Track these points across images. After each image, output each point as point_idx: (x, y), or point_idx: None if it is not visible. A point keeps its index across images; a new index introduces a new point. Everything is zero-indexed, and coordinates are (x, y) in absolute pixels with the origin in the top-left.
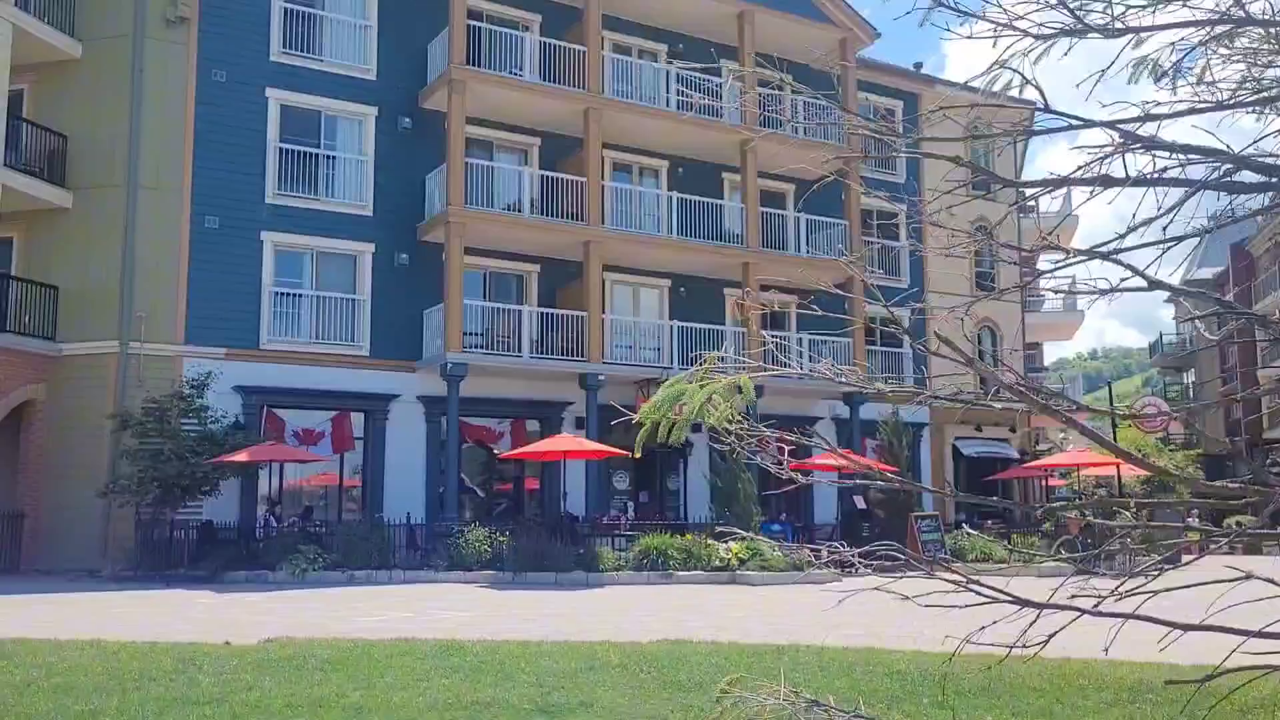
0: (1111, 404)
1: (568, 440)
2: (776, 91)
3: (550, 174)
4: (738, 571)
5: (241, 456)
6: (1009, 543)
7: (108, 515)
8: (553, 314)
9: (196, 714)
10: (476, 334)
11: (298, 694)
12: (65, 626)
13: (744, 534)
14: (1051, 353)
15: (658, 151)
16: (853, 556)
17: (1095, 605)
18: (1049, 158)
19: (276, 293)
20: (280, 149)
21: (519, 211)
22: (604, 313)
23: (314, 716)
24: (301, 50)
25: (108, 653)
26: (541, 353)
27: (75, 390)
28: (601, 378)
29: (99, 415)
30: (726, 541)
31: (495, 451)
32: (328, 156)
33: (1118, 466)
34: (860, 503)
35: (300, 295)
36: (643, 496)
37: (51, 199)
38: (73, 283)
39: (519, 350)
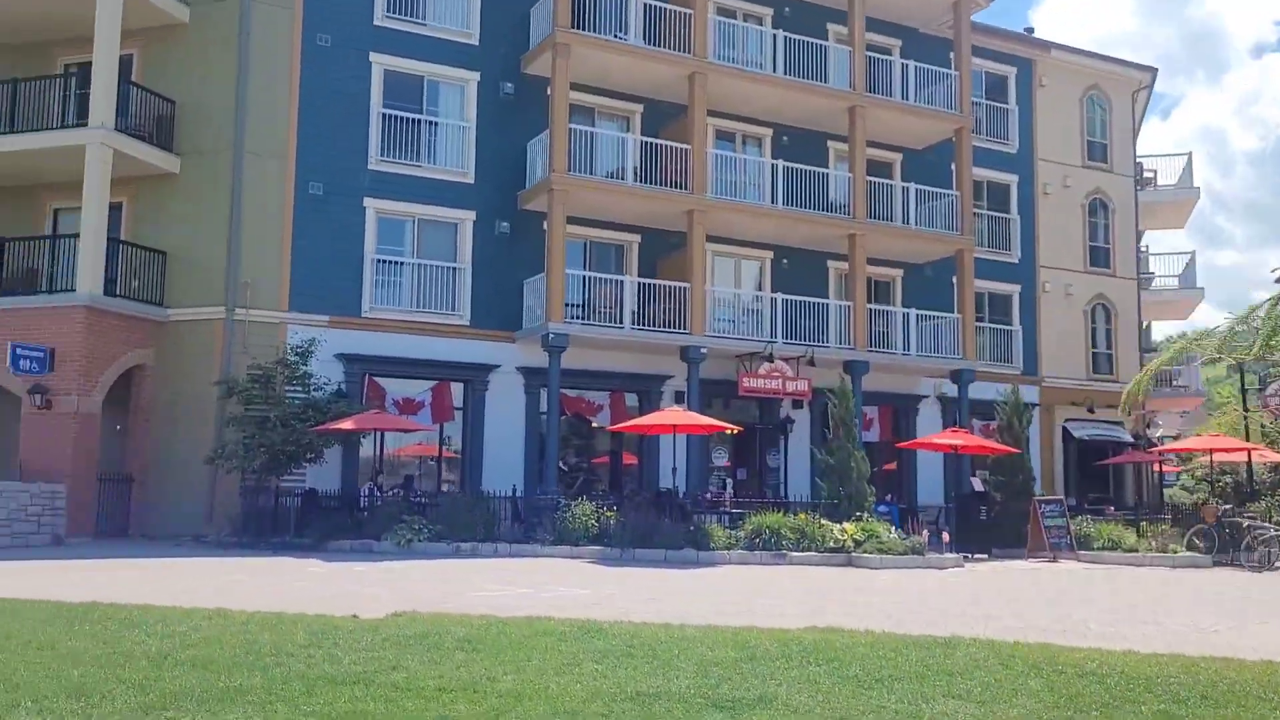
0: (1244, 389)
1: (677, 414)
2: (886, 56)
3: (653, 140)
4: (853, 554)
5: (346, 425)
6: (1138, 531)
7: (213, 481)
8: (654, 285)
9: (346, 695)
10: (576, 305)
11: (445, 676)
12: (186, 593)
13: (864, 515)
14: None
15: (762, 119)
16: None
17: None
18: (1154, 126)
19: (378, 260)
20: (383, 115)
21: (621, 179)
22: (706, 284)
23: (471, 703)
24: (405, 14)
25: (236, 623)
26: (642, 324)
27: (182, 356)
28: (704, 350)
29: (205, 381)
30: (841, 522)
31: (594, 424)
32: (430, 123)
33: (1248, 454)
34: (976, 484)
35: (401, 263)
36: (740, 473)
37: (160, 164)
38: (180, 248)
39: (620, 322)
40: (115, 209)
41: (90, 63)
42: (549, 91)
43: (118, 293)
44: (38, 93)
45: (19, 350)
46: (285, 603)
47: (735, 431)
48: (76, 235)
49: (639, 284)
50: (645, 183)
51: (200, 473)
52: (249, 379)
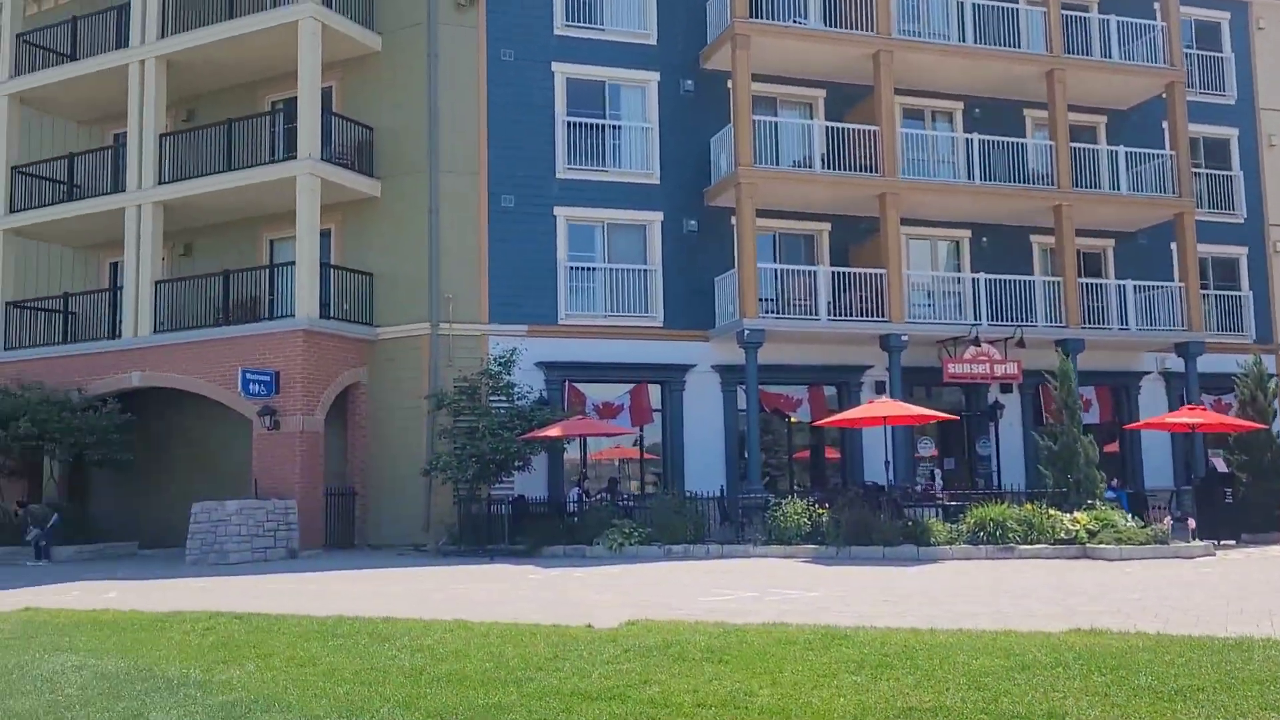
0: None
1: (887, 405)
2: (1083, 14)
3: (838, 125)
4: (1087, 545)
5: (553, 431)
6: None
7: (428, 491)
8: (849, 273)
9: (604, 712)
10: (768, 299)
11: (700, 690)
12: (422, 603)
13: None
14: None
15: (950, 92)
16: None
17: None
18: None
19: (571, 267)
20: (567, 123)
21: (808, 167)
22: (903, 268)
23: None
24: (583, 21)
25: (477, 634)
26: (838, 315)
27: (392, 372)
28: (905, 338)
29: (415, 395)
30: (1070, 511)
31: (793, 419)
32: (613, 127)
33: None
34: (1220, 465)
35: (593, 269)
36: (948, 464)
37: (362, 189)
38: (385, 268)
39: (815, 313)
40: (324, 235)
41: (293, 98)
42: (729, 85)
43: (331, 315)
44: (249, 132)
45: (249, 375)
46: (516, 612)
47: (952, 420)
48: (292, 263)
49: (833, 273)
50: (833, 169)
51: (415, 484)
52: (456, 391)
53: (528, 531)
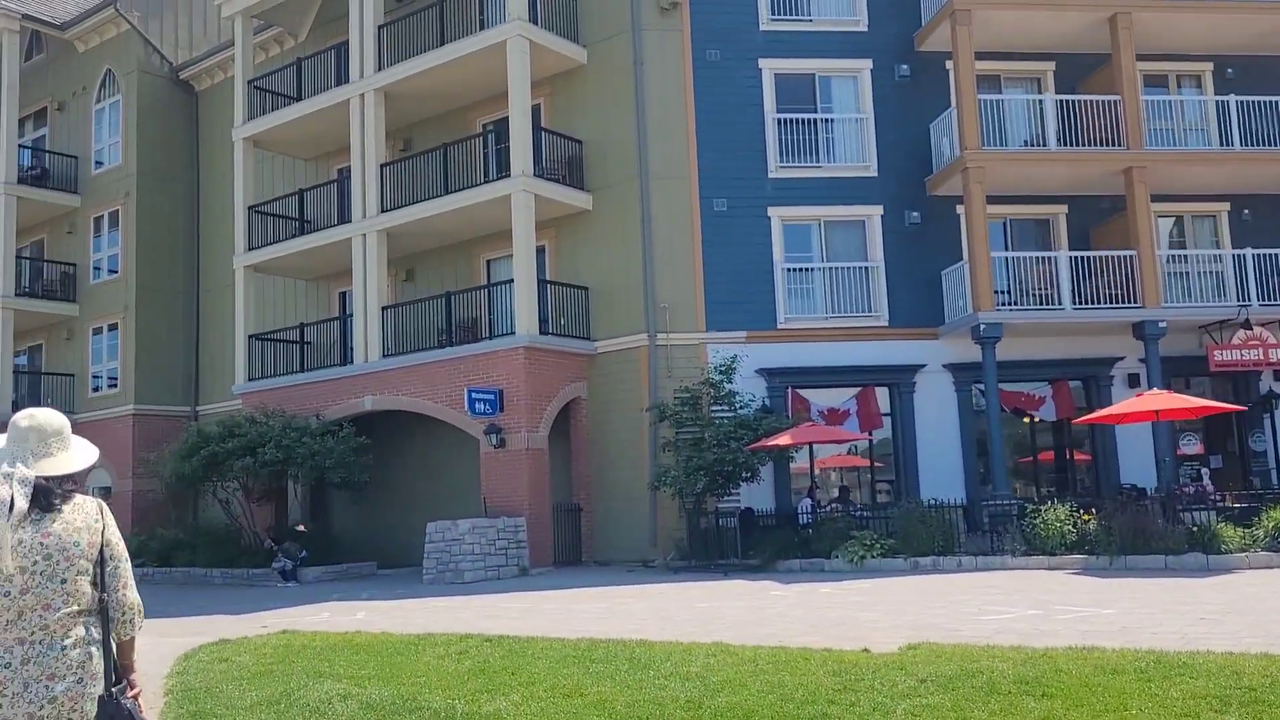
0: None
1: (1161, 397)
2: None
3: (1071, 98)
4: None
5: (783, 440)
6: None
7: (654, 505)
8: (1093, 257)
9: None
10: (1001, 291)
11: None
12: (669, 623)
13: None
14: None
15: (1197, 53)
16: None
17: None
18: None
19: (788, 269)
20: (778, 120)
21: (1042, 145)
22: (1156, 248)
23: None
24: (790, 14)
25: (744, 660)
26: (1082, 303)
27: (612, 385)
28: (1163, 324)
29: (635, 408)
30: None
31: (1035, 419)
32: (825, 120)
33: None
34: None
35: (811, 269)
36: (1214, 461)
37: (575, 203)
38: (600, 281)
39: (1057, 303)
40: (539, 251)
41: (503, 119)
42: (948, 65)
43: (550, 331)
44: (463, 154)
45: (474, 394)
46: (775, 633)
47: (1238, 410)
48: (509, 281)
49: (1074, 258)
50: (1068, 145)
51: (640, 498)
52: (677, 402)
53: (759, 545)
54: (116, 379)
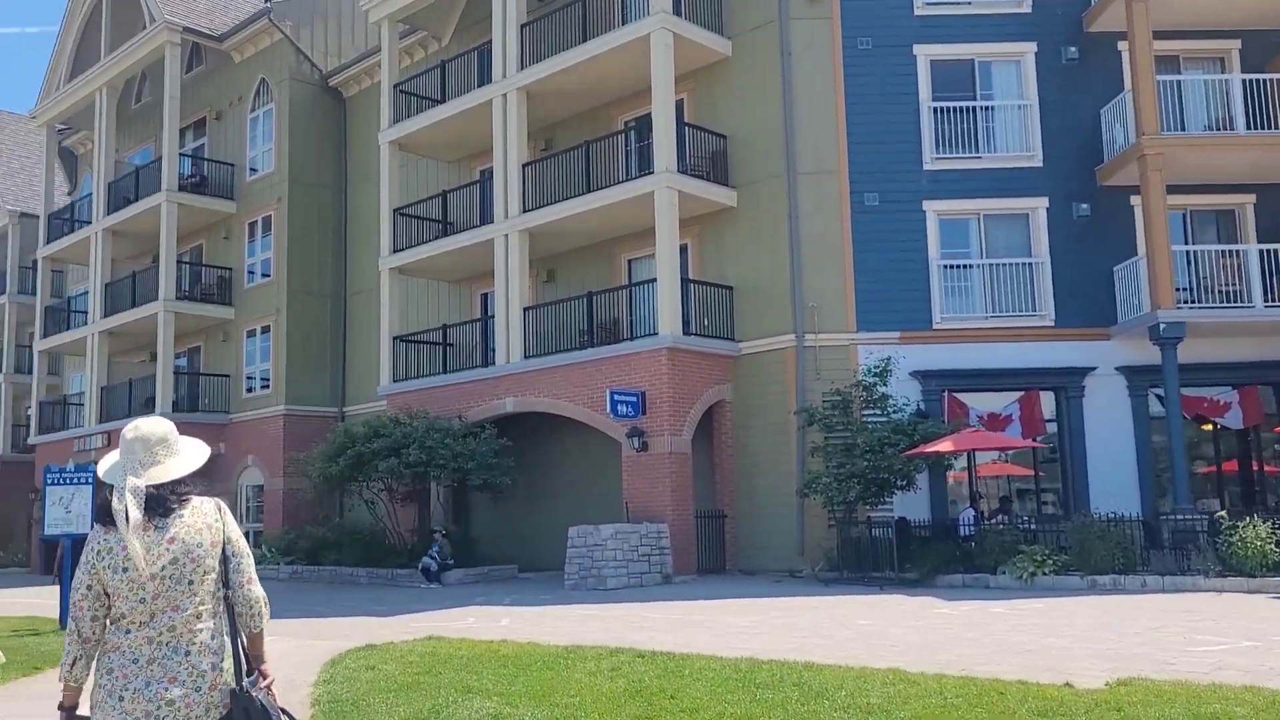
0: None
1: None
2: None
3: (1261, 77)
4: None
5: (944, 446)
6: None
7: (801, 513)
8: None
9: None
10: (1180, 288)
11: None
12: (836, 644)
13: None
14: None
15: None
16: None
17: None
18: None
19: (944, 265)
20: (933, 109)
21: (1228, 129)
22: None
23: None
24: None
25: (928, 691)
26: (1273, 301)
27: (757, 388)
28: None
29: (781, 412)
30: None
31: (1219, 426)
32: (984, 108)
33: None
34: None
35: (969, 266)
36: None
37: (719, 199)
38: (744, 280)
39: (1246, 300)
40: (681, 250)
41: (644, 116)
42: (1120, 46)
43: (692, 331)
44: (604, 152)
45: (616, 396)
46: (953, 659)
47: None
48: (651, 281)
49: (1264, 251)
50: (1256, 129)
51: (786, 505)
52: (827, 405)
53: (916, 557)
54: (269, 380)
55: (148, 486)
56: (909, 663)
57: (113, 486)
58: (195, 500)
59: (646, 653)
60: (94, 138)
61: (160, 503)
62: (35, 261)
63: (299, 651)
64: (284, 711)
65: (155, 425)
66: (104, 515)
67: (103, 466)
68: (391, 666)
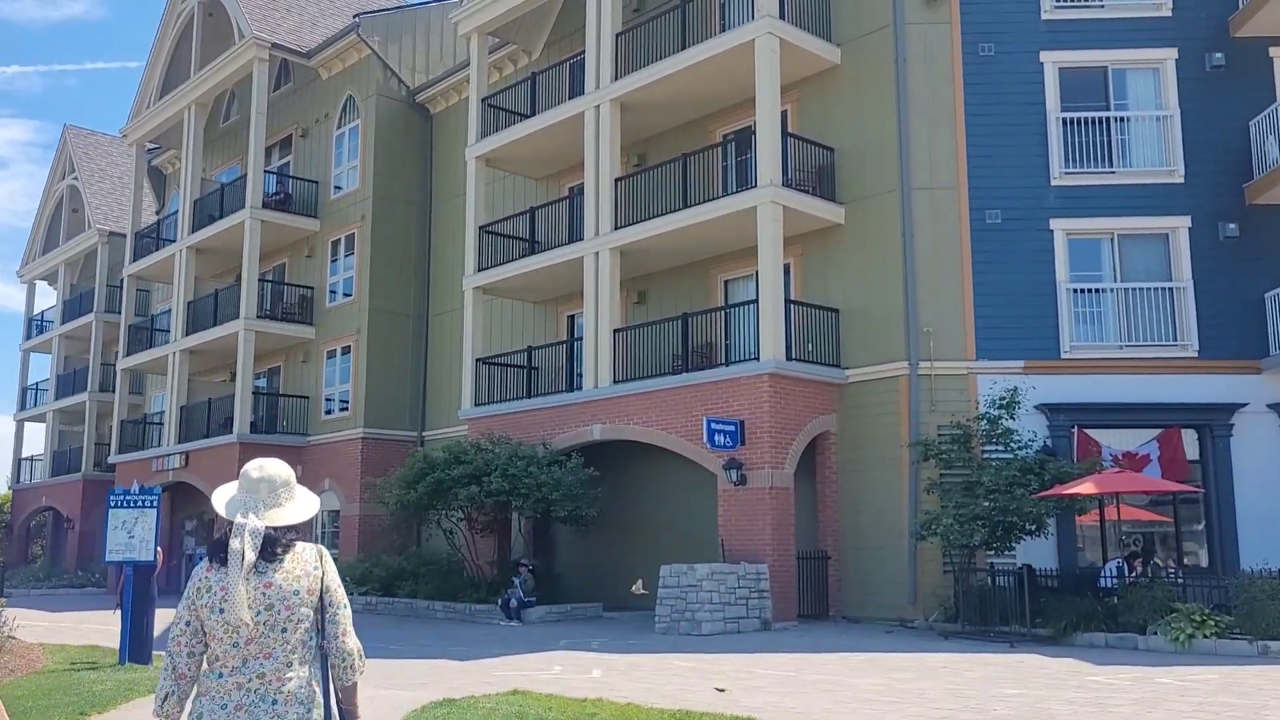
0: None
1: None
2: None
3: None
4: None
5: (1084, 488)
6: None
7: (914, 558)
8: None
9: None
10: None
11: None
12: (984, 716)
13: None
14: None
15: None
16: None
17: None
18: None
19: (1074, 289)
20: (1061, 120)
21: None
22: None
23: None
24: (1076, 1)
25: None
26: None
27: (865, 419)
28: None
29: (891, 446)
30: None
31: None
32: (1119, 119)
33: None
34: None
35: (1101, 290)
36: None
37: (825, 215)
38: (851, 303)
39: None
40: (785, 270)
41: (743, 129)
42: (1272, 53)
43: (795, 356)
44: (701, 166)
45: (714, 425)
46: None
47: None
48: (751, 302)
49: None
50: None
51: (896, 548)
52: (943, 439)
53: (1048, 612)
54: (348, 402)
55: (267, 528)
56: None
57: (231, 524)
58: (298, 545)
59: None
60: (181, 156)
61: (272, 545)
62: (122, 280)
63: (369, 705)
64: None
65: (280, 467)
66: (217, 551)
67: (219, 499)
68: None
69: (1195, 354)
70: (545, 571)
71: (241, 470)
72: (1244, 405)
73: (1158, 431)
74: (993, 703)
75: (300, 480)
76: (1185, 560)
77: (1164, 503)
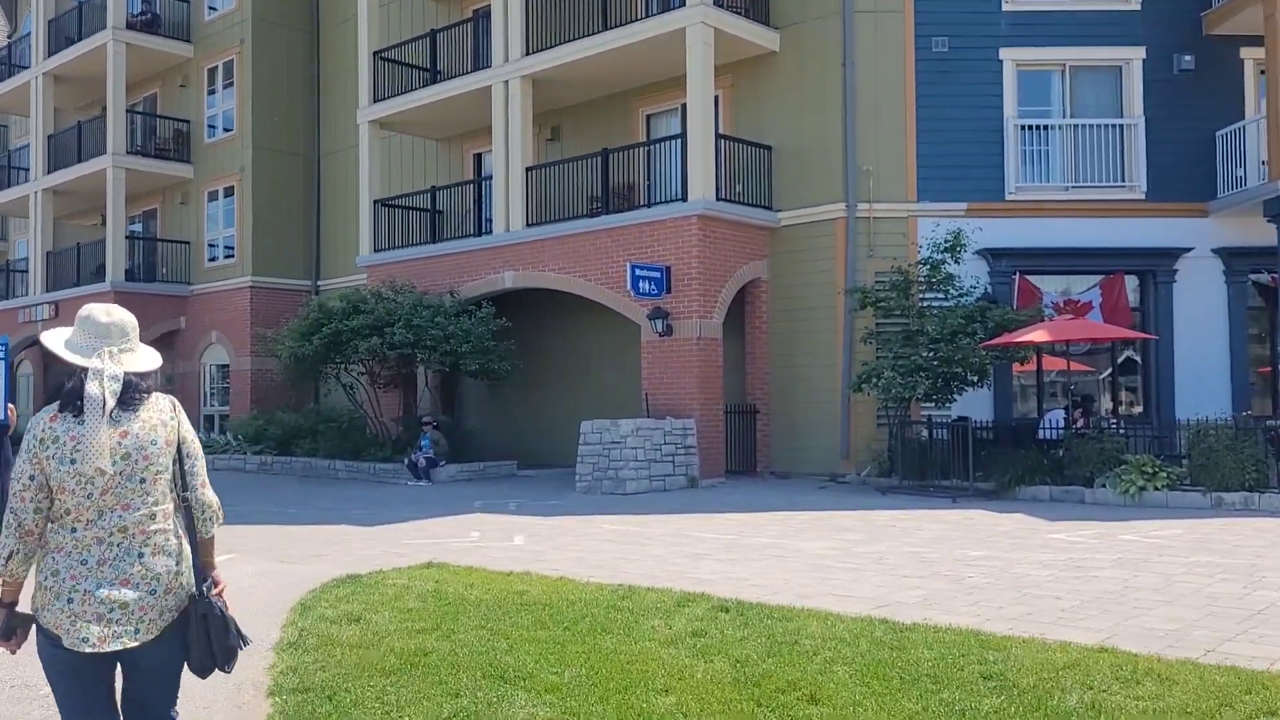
0: None
1: None
2: None
3: None
4: None
5: (1036, 335)
6: None
7: (847, 411)
8: None
9: None
10: None
11: None
12: (960, 586)
13: None
14: None
15: None
16: None
17: None
18: None
19: (1022, 126)
20: None
21: None
22: None
23: None
24: None
25: (1177, 683)
26: None
27: (798, 265)
28: None
29: (826, 294)
30: None
31: None
32: None
33: None
34: None
35: (1049, 128)
36: None
37: (758, 41)
38: (785, 139)
39: None
40: (715, 103)
41: None
42: None
43: (723, 197)
44: None
45: (638, 271)
46: (1160, 623)
47: None
48: (677, 137)
49: None
50: None
51: (829, 401)
52: (886, 285)
53: (990, 465)
54: (233, 248)
55: (126, 374)
56: (1108, 629)
57: (85, 370)
58: (153, 395)
59: (731, 602)
60: None
61: (133, 391)
62: None
63: (259, 583)
64: (237, 626)
65: (127, 313)
66: (71, 400)
67: (53, 341)
68: (383, 618)
69: (1142, 196)
70: (455, 429)
71: (82, 313)
72: (1189, 250)
73: (1100, 278)
74: (961, 568)
75: (185, 332)
76: (1119, 410)
77: (1098, 351)
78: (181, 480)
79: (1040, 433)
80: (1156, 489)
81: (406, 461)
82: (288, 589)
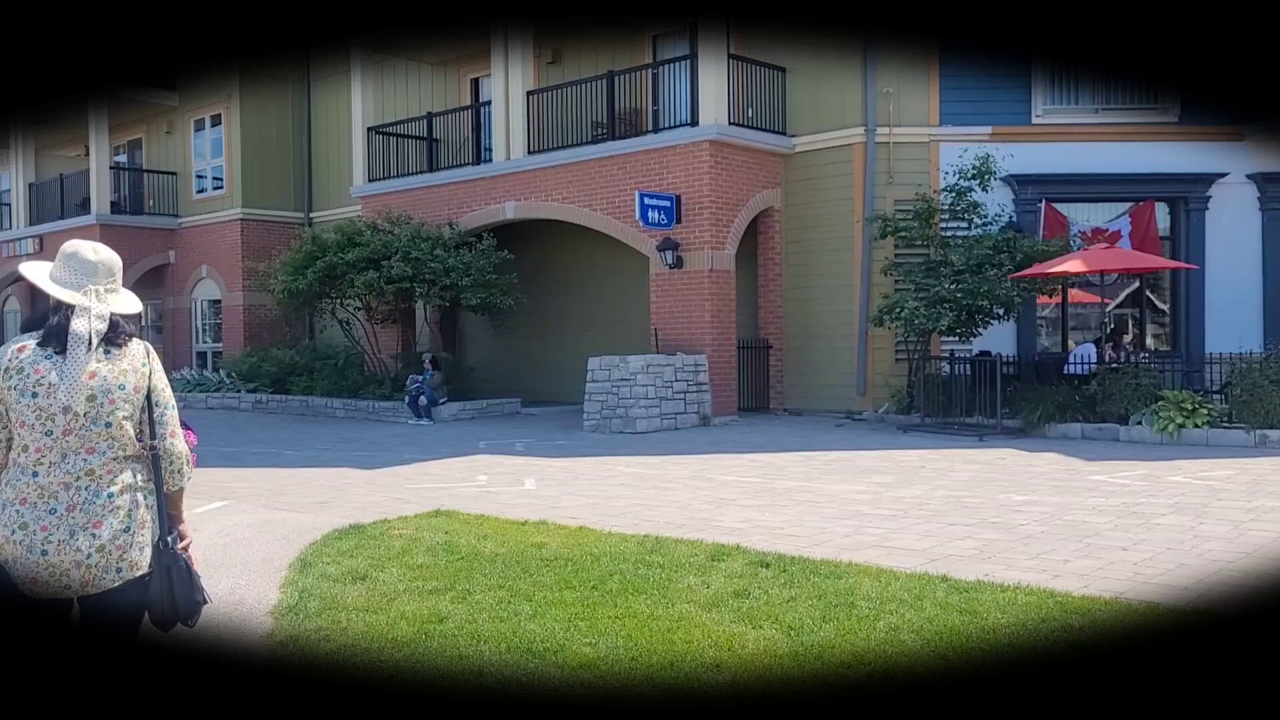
0: None
1: None
2: None
3: None
4: None
5: (1070, 266)
6: None
7: (864, 346)
8: None
9: None
10: None
11: None
12: (1004, 530)
13: None
14: None
15: None
16: None
17: None
18: None
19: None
20: None
21: None
22: None
23: None
24: None
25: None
26: None
27: (814, 194)
28: None
29: (843, 223)
30: None
31: None
32: None
33: None
34: None
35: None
36: None
37: None
38: (800, 61)
39: None
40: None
41: None
42: None
43: (735, 121)
44: None
45: (647, 200)
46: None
47: None
48: (686, 58)
49: None
50: None
51: (845, 336)
52: (908, 214)
53: (1017, 402)
54: (222, 179)
55: (112, 314)
56: (1192, 587)
57: (71, 306)
58: (131, 340)
59: (770, 556)
60: None
61: (116, 332)
62: None
63: (255, 535)
64: (200, 583)
65: (112, 252)
66: (49, 335)
67: (35, 274)
68: (391, 575)
69: (1176, 119)
70: (455, 366)
71: (66, 249)
72: (1223, 175)
73: (1129, 205)
74: (1009, 514)
75: (175, 266)
76: (1146, 344)
77: (1118, 284)
78: (151, 428)
79: (1068, 368)
80: (1196, 426)
81: (407, 399)
82: (286, 541)
